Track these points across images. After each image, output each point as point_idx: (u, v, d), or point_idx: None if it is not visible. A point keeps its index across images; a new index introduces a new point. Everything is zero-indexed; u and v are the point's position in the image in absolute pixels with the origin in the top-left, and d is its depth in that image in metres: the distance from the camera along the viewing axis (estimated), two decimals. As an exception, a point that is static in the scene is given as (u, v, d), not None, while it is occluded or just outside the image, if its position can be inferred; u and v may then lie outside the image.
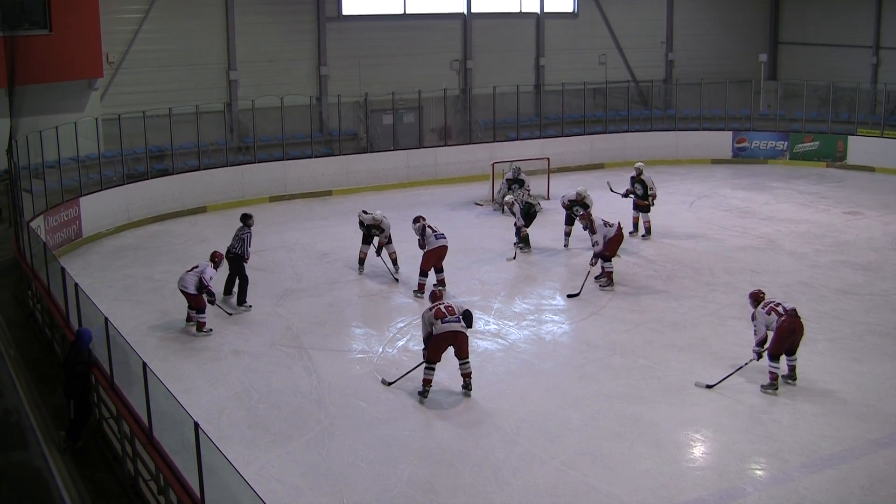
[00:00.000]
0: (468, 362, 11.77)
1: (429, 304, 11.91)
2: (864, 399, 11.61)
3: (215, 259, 14.27)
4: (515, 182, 21.10)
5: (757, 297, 12.03)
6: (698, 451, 10.54)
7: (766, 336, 11.74)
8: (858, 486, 9.58)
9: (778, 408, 11.37)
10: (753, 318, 11.97)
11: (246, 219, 15.58)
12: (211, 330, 14.04)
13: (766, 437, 10.65)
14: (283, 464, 10.17)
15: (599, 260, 15.89)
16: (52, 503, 9.47)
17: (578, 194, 17.95)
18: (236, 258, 15.19)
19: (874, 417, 11.13)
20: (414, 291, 15.69)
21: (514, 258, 17.71)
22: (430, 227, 15.64)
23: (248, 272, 15.21)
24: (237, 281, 15.28)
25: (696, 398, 11.71)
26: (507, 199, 18.65)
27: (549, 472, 9.95)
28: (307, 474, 9.96)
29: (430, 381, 11.68)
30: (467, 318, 11.72)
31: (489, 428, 11.00)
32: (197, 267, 13.97)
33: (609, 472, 9.92)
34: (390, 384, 12.05)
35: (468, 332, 11.78)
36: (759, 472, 9.97)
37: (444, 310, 11.59)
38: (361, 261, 16.82)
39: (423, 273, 15.65)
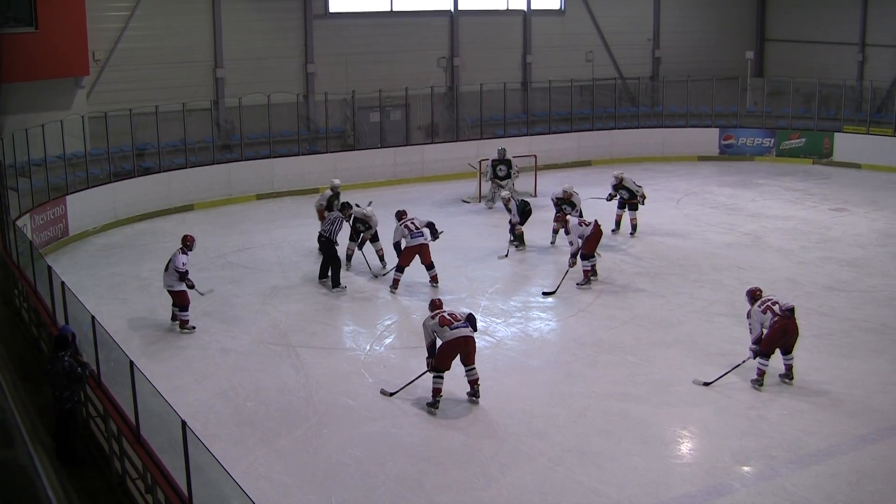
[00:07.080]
0: (475, 368, 11.45)
1: (430, 313, 11.49)
2: (850, 395, 11.67)
3: (186, 242, 14.00)
4: (502, 163, 20.96)
5: (754, 295, 11.90)
6: (686, 447, 10.58)
7: (762, 334, 11.67)
8: (845, 482, 9.63)
9: (765, 404, 11.42)
10: (749, 315, 11.85)
11: (345, 208, 16.40)
12: (194, 328, 13.98)
13: (753, 434, 10.69)
14: (271, 462, 10.15)
15: (578, 260, 15.84)
16: (38, 502, 9.41)
17: (565, 192, 17.91)
18: (327, 242, 15.78)
19: (861, 413, 11.19)
20: (390, 286, 15.78)
21: (507, 256, 17.64)
22: (408, 225, 15.65)
23: (241, 271, 15.14)
24: (329, 266, 15.87)
25: (683, 395, 11.74)
26: (503, 194, 18.54)
27: (537, 468, 9.97)
28: (295, 472, 9.95)
29: (440, 390, 11.30)
30: (472, 322, 11.42)
31: (477, 425, 11.00)
32: (171, 261, 13.81)
33: (597, 468, 9.94)
34: (392, 395, 11.72)
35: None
36: (746, 469, 10.00)
37: (448, 317, 11.24)
38: (349, 257, 16.86)
39: (400, 269, 15.73)
